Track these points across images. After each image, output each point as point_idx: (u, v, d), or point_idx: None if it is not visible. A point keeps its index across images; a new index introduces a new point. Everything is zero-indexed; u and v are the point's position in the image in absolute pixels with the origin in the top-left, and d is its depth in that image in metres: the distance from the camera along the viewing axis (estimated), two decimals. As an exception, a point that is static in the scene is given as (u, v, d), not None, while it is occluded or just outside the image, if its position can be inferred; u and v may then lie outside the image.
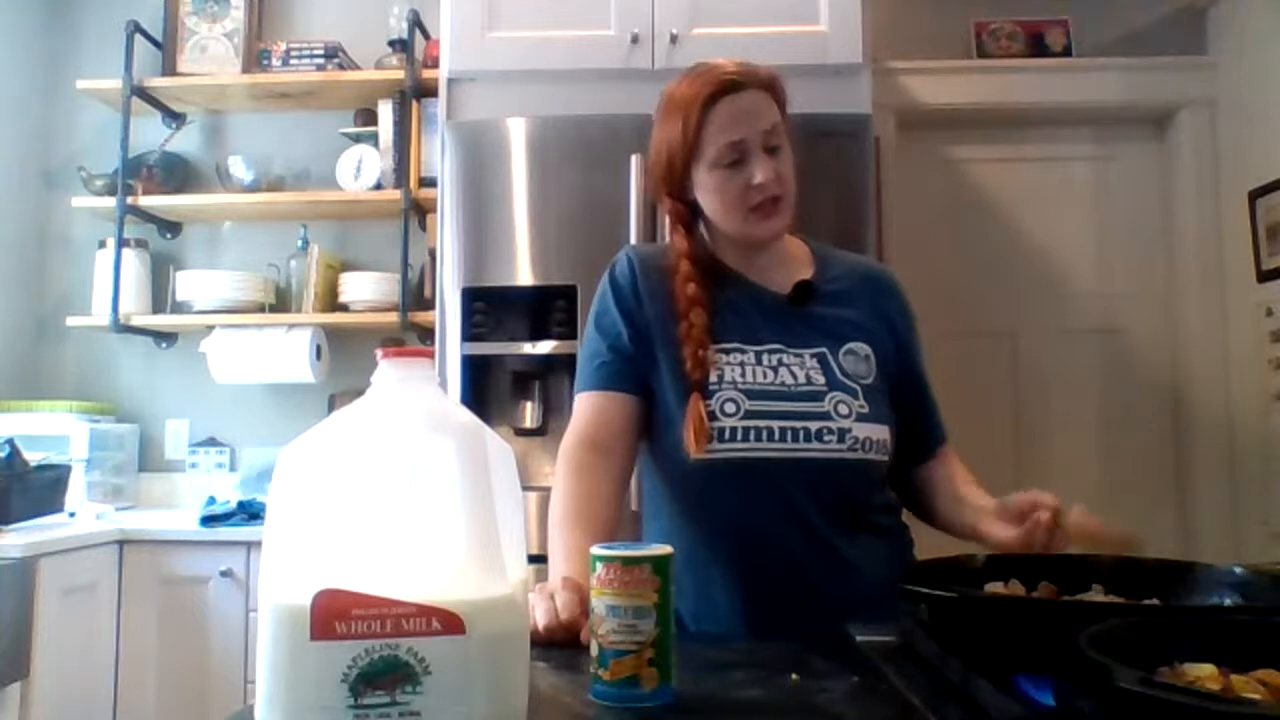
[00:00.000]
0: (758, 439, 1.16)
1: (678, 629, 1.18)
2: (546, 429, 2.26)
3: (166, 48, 3.02)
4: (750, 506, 1.17)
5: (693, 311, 1.21)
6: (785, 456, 1.16)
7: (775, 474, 1.16)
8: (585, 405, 1.25)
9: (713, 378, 1.19)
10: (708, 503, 1.20)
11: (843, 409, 1.18)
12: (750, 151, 1.19)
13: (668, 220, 1.29)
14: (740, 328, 1.23)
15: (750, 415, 1.17)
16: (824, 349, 1.22)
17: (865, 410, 1.19)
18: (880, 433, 1.20)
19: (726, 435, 1.17)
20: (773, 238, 1.25)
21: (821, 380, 1.20)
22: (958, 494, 1.23)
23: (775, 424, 1.17)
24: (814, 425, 1.17)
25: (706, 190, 1.22)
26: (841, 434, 1.17)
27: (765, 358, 1.21)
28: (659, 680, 0.78)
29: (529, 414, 2.28)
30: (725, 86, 1.19)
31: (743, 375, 1.19)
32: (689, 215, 1.27)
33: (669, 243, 1.29)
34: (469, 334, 2.20)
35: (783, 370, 1.20)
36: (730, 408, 1.17)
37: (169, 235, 3.09)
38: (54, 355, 3.08)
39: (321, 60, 2.91)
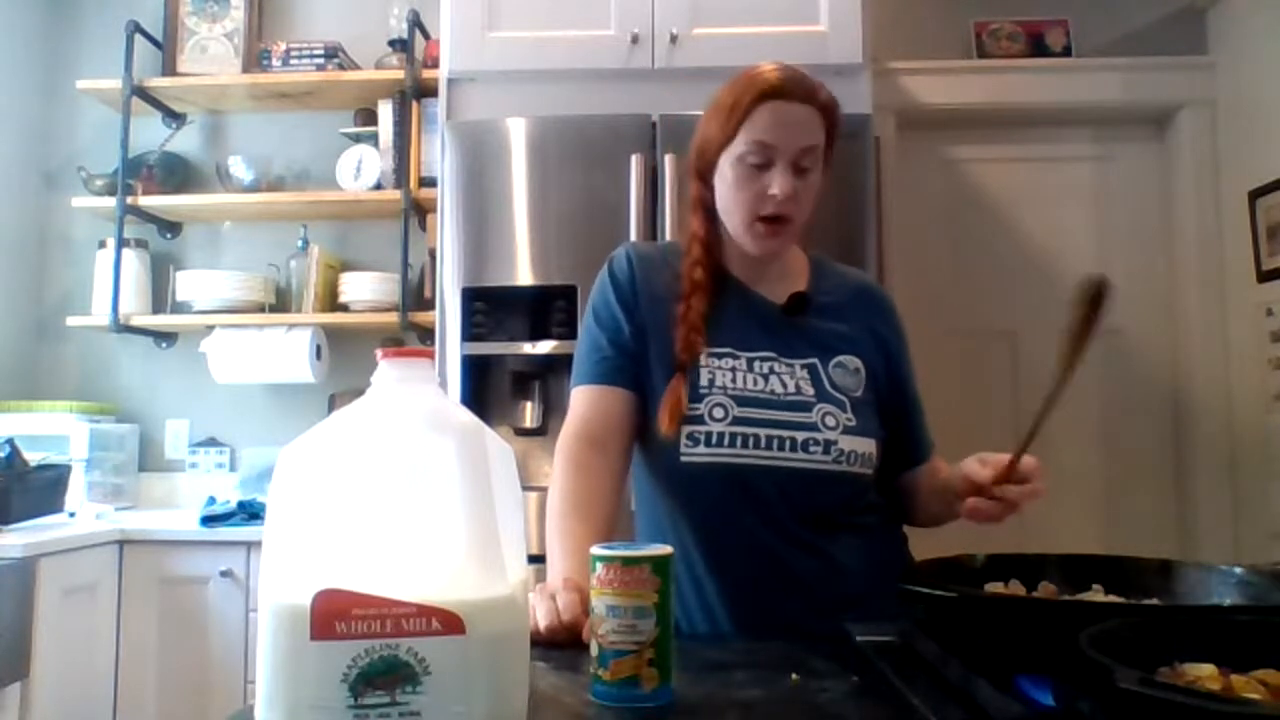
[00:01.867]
0: (744, 445, 1.17)
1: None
2: (546, 429, 2.26)
3: (166, 48, 3.02)
4: (733, 510, 1.18)
5: (695, 295, 1.21)
6: (770, 465, 1.16)
7: (761, 481, 1.17)
8: (583, 399, 1.25)
9: (703, 381, 1.19)
10: (693, 503, 1.20)
11: (830, 421, 1.18)
12: (777, 161, 1.18)
13: (690, 202, 1.28)
14: (734, 334, 1.23)
15: (738, 421, 1.17)
16: (815, 360, 1.23)
17: (853, 423, 1.19)
18: (866, 446, 1.21)
19: (714, 440, 1.17)
20: (767, 256, 1.25)
21: (811, 391, 1.20)
22: (935, 480, 1.25)
23: (762, 431, 1.17)
24: (800, 435, 1.17)
25: (724, 182, 1.22)
26: (827, 445, 1.17)
27: (757, 365, 1.21)
28: (659, 680, 0.78)
29: (529, 414, 2.28)
30: (780, 90, 1.17)
31: (733, 381, 1.20)
32: (712, 202, 1.26)
33: (669, 245, 1.29)
34: (469, 334, 2.20)
35: (773, 379, 1.20)
36: (719, 412, 1.18)
37: (169, 235, 3.09)
38: (54, 355, 3.08)
39: (321, 60, 2.91)
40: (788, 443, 1.17)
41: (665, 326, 1.23)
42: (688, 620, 1.20)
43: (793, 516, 1.18)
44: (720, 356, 1.21)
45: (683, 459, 1.18)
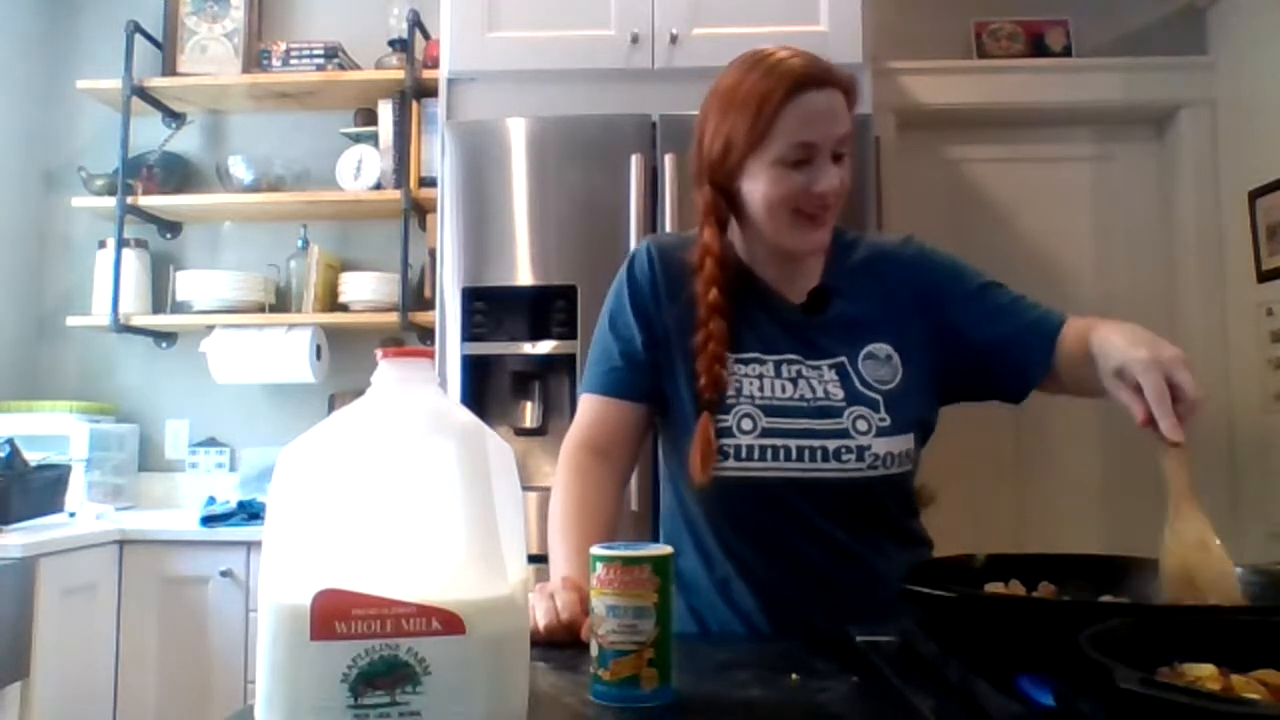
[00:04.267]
0: (774, 458, 1.12)
1: (700, 629, 1.18)
2: (546, 429, 2.26)
3: (166, 48, 3.02)
4: (770, 523, 1.15)
5: (712, 320, 1.14)
6: (803, 477, 1.12)
7: (793, 494, 1.13)
8: (590, 407, 1.22)
9: (730, 390, 1.15)
10: (726, 515, 1.17)
11: (862, 425, 1.13)
12: (818, 155, 1.11)
13: (700, 210, 1.19)
14: (759, 337, 1.18)
15: (767, 433, 1.13)
16: (843, 359, 1.17)
17: (886, 423, 1.14)
18: (902, 444, 1.15)
19: (743, 454, 1.13)
20: (813, 251, 1.18)
21: (840, 395, 1.15)
22: (1082, 352, 1.08)
23: (793, 443, 1.12)
24: (832, 444, 1.12)
25: (760, 183, 1.12)
26: (860, 452, 1.12)
27: (784, 369, 1.16)
28: (659, 680, 0.78)
29: (529, 414, 2.27)
30: (809, 80, 1.09)
31: (760, 389, 1.15)
32: (726, 209, 1.18)
33: (693, 235, 1.20)
34: (469, 334, 2.20)
35: (801, 383, 1.15)
36: (747, 424, 1.13)
37: (169, 235, 3.09)
38: (54, 355, 3.08)
39: (321, 60, 2.91)
40: (819, 453, 1.12)
41: (688, 328, 1.17)
42: (720, 626, 1.18)
43: (832, 526, 1.15)
44: (747, 362, 1.17)
45: (712, 473, 1.13)
